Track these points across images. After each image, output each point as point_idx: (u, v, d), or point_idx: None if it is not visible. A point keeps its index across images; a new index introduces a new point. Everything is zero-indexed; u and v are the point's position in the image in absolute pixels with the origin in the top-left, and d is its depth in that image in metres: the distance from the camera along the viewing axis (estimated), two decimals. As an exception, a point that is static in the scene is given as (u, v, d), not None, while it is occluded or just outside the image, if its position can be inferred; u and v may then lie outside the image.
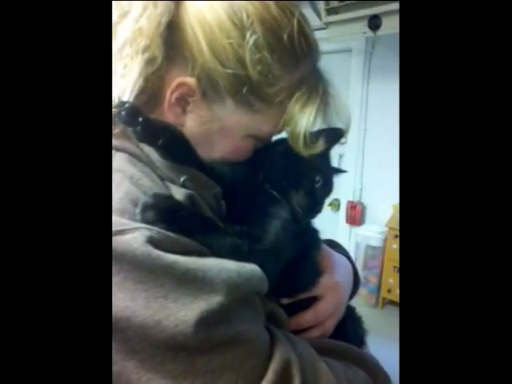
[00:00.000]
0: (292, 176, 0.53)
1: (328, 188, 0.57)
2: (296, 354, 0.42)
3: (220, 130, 0.49)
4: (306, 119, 0.48)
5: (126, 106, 0.45)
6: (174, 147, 0.47)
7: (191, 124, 0.49)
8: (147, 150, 0.46)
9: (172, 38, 0.46)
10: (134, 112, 0.45)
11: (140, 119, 0.45)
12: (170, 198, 0.42)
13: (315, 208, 0.54)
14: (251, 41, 0.44)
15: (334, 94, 0.52)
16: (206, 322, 0.35)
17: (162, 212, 0.39)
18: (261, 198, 0.52)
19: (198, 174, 0.47)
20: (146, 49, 0.45)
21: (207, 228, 0.42)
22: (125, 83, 0.45)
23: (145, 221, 0.38)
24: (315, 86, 0.50)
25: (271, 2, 0.46)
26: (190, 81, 0.46)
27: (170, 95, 0.47)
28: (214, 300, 0.36)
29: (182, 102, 0.48)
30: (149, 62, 0.46)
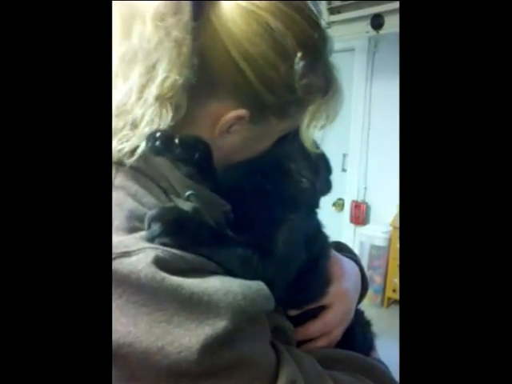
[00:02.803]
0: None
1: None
2: (302, 374, 0.41)
3: (259, 137, 0.50)
4: (323, 119, 0.50)
5: (157, 135, 0.43)
6: (204, 161, 0.46)
7: (233, 141, 0.49)
8: (157, 161, 0.45)
9: (211, 73, 0.45)
10: (168, 138, 0.43)
11: (176, 141, 0.44)
12: (176, 208, 0.41)
13: (319, 173, 0.54)
14: (299, 68, 0.44)
15: (342, 91, 0.52)
16: (210, 348, 0.34)
17: (168, 224, 0.38)
18: (270, 204, 0.51)
19: (206, 191, 0.46)
20: (171, 99, 0.43)
21: (215, 239, 0.41)
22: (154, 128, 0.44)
23: (151, 234, 0.37)
24: (334, 78, 0.51)
25: (303, 21, 0.45)
26: (244, 113, 0.46)
27: (222, 126, 0.47)
28: (219, 325, 0.35)
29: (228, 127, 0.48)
30: (175, 109, 0.44)
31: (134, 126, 0.43)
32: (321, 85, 0.49)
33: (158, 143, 0.43)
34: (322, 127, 0.52)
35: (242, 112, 0.46)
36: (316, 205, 0.57)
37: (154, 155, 0.44)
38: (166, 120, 0.43)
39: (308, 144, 0.50)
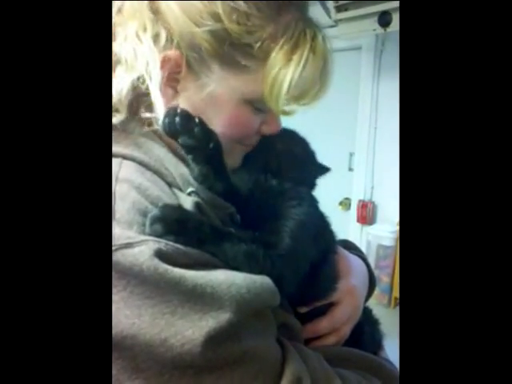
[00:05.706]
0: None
1: None
2: (308, 370, 0.40)
3: (212, 99, 0.47)
4: (292, 68, 0.45)
5: (178, 110, 0.42)
6: (216, 154, 0.45)
7: (184, 104, 0.46)
8: (163, 154, 0.44)
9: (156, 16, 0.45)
10: (187, 114, 0.42)
11: (196, 120, 0.42)
12: (179, 208, 0.41)
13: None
14: None
15: (326, 46, 0.48)
16: (214, 340, 0.34)
17: (170, 224, 0.37)
18: (274, 199, 0.51)
19: (208, 193, 0.45)
20: (147, 24, 0.44)
21: (219, 236, 0.41)
22: (141, 67, 0.43)
23: (153, 233, 0.37)
24: (302, 31, 0.46)
25: None
26: (174, 54, 0.44)
27: (161, 73, 0.45)
28: (223, 317, 0.35)
29: (172, 82, 0.46)
30: (155, 38, 0.44)
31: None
32: (269, 25, 0.45)
33: (177, 119, 0.42)
34: (298, 99, 0.48)
35: (172, 53, 0.45)
36: (312, 185, 0.59)
37: (170, 132, 0.43)
38: (149, 53, 0.43)
39: (273, 102, 0.47)
